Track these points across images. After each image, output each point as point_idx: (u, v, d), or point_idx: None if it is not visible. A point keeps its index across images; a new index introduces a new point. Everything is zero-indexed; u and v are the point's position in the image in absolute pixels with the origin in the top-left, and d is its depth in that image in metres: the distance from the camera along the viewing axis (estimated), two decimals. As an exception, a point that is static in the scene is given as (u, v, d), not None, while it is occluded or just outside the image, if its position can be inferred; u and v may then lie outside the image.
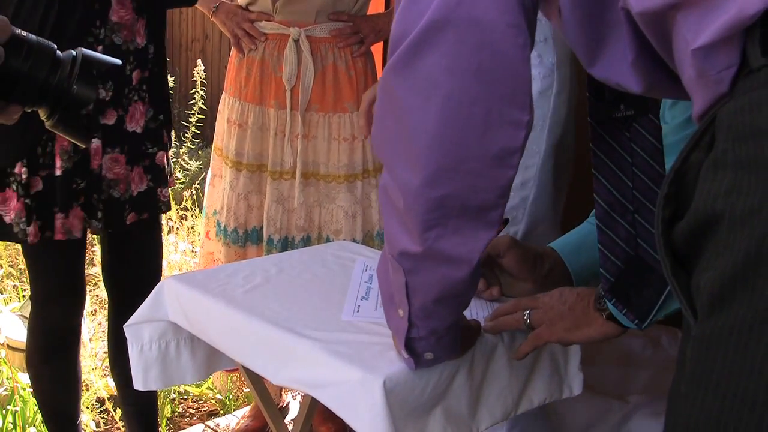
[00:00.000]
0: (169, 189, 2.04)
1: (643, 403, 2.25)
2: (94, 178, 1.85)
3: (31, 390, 2.19)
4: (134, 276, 2.06)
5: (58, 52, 1.00)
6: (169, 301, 1.57)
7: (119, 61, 1.07)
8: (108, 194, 1.90)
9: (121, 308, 2.07)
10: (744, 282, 0.72)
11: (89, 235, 2.07)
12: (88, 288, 2.93)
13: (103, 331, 2.64)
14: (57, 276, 1.96)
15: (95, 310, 3.17)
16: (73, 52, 1.01)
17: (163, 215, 2.08)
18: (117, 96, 1.86)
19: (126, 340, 1.62)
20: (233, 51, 2.32)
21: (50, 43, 0.99)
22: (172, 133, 2.08)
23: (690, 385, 0.78)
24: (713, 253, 0.75)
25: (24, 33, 0.97)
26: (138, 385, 1.61)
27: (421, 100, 0.95)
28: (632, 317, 1.23)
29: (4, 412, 2.36)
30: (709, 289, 0.75)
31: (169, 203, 2.04)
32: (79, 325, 2.04)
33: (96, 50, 1.78)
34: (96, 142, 1.84)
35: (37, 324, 2.01)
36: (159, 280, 2.08)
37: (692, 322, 0.79)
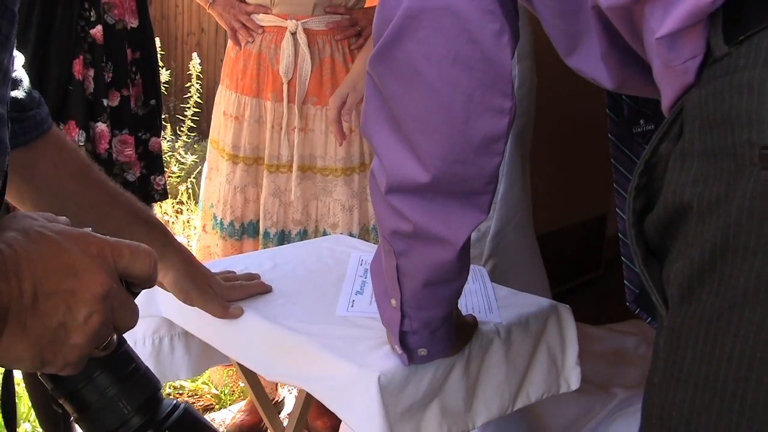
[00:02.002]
0: (164, 177, 2.02)
1: (628, 397, 2.26)
2: (102, 164, 1.81)
3: (24, 386, 2.18)
4: None
5: (161, 393, 0.77)
6: (162, 296, 1.55)
7: None
8: (123, 178, 1.87)
9: None
10: (711, 272, 0.72)
11: None
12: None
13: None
14: None
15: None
16: (176, 402, 0.78)
17: (159, 209, 2.06)
18: (118, 76, 1.83)
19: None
20: (230, 43, 2.31)
21: (155, 378, 0.77)
22: (168, 125, 2.06)
23: (663, 375, 0.78)
24: (683, 244, 0.76)
25: (135, 356, 0.75)
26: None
27: (404, 88, 0.96)
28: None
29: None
30: (678, 279, 0.76)
31: (165, 192, 2.01)
32: None
33: (91, 33, 1.76)
34: (102, 126, 1.81)
35: None
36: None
37: (663, 312, 0.80)
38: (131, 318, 0.68)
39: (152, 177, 1.95)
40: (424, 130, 0.96)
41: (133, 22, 1.85)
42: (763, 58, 0.70)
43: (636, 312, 1.26)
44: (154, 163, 1.95)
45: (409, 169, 0.99)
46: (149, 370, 0.76)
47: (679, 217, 0.76)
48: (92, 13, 1.78)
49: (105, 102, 1.81)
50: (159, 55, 2.12)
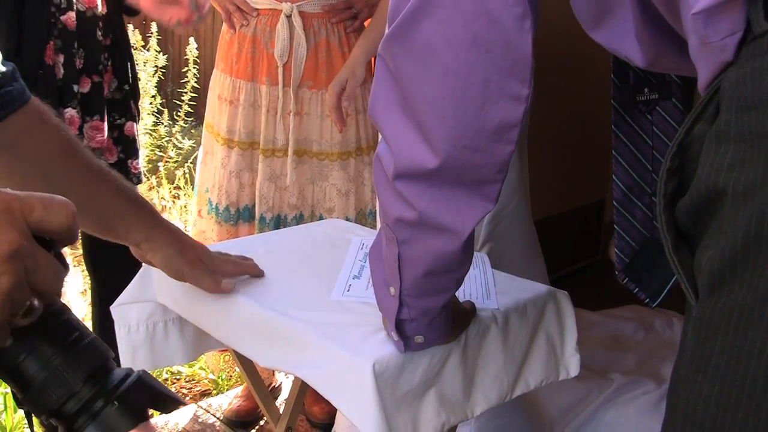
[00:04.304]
0: (140, 161, 2.01)
1: (626, 382, 2.25)
2: None
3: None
4: (114, 254, 2.02)
5: (112, 362, 0.72)
6: (156, 281, 1.53)
7: (184, 402, 0.85)
8: None
9: (102, 288, 2.04)
10: (745, 262, 0.69)
11: None
12: (79, 268, 2.90)
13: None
14: None
15: (86, 290, 3.12)
16: (129, 370, 0.73)
17: (156, 194, 2.04)
18: (90, 62, 1.82)
19: (110, 321, 1.58)
20: (224, 27, 2.28)
21: (105, 347, 0.71)
22: (165, 110, 2.05)
23: (689, 367, 0.76)
24: (716, 231, 0.73)
25: (80, 324, 0.70)
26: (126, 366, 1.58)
27: (420, 69, 0.92)
28: (644, 296, 1.24)
29: (-6, 394, 2.33)
30: (709, 268, 0.73)
31: (141, 176, 2.01)
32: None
33: (62, 19, 1.74)
34: (71, 112, 1.80)
35: None
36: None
37: (693, 302, 0.77)
38: (53, 279, 0.62)
39: (129, 161, 1.95)
40: (437, 113, 0.92)
41: (103, 10, 1.85)
42: None
43: (624, 281, 1.24)
44: (130, 147, 1.95)
45: (418, 153, 0.96)
46: (98, 339, 0.70)
47: (712, 203, 0.73)
48: (62, 0, 1.77)
49: (75, 88, 1.80)
50: (155, 40, 2.10)
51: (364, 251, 1.57)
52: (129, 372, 0.70)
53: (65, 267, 0.63)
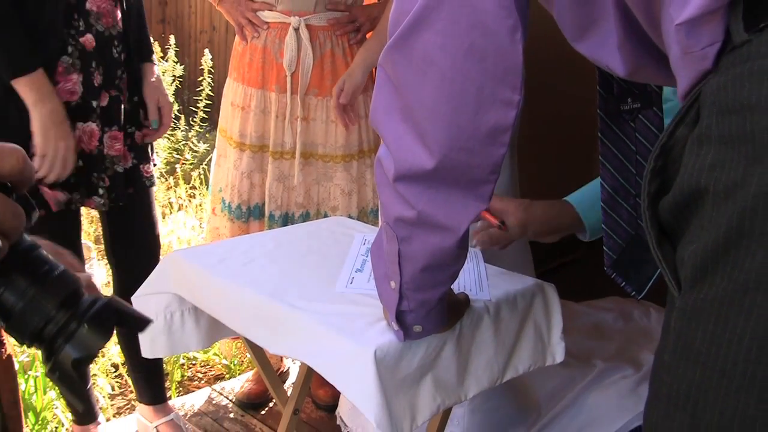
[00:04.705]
0: (153, 165, 2.01)
1: (607, 368, 2.24)
2: (91, 160, 1.81)
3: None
4: (132, 250, 2.02)
5: (82, 290, 0.76)
6: (173, 274, 1.53)
7: (150, 319, 0.87)
8: (113, 170, 1.88)
9: (123, 281, 2.04)
10: (725, 255, 0.69)
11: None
12: (102, 262, 2.89)
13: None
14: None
15: (109, 282, 3.12)
16: (99, 296, 0.77)
17: (173, 194, 2.04)
18: (108, 78, 1.83)
19: (130, 311, 1.57)
20: (237, 38, 2.27)
21: (75, 277, 0.75)
22: (182, 116, 2.05)
23: (672, 354, 0.75)
24: (697, 227, 0.72)
25: (49, 258, 0.72)
26: (146, 353, 1.58)
27: (419, 77, 0.92)
28: (630, 289, 1.26)
29: (26, 376, 2.32)
30: (692, 261, 0.72)
31: (153, 179, 2.01)
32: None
33: (81, 40, 1.75)
34: (92, 126, 1.80)
35: None
36: (156, 254, 2.05)
37: (676, 293, 0.77)
38: (13, 219, 0.61)
39: (141, 166, 1.95)
40: (434, 117, 0.92)
41: (120, 28, 1.85)
42: None
43: (612, 276, 1.25)
44: (142, 153, 1.95)
45: (416, 155, 0.95)
46: (66, 270, 0.72)
47: (694, 201, 0.72)
48: (81, 23, 1.76)
49: (95, 104, 1.80)
50: (173, 52, 2.10)
51: (366, 246, 1.56)
52: (98, 297, 0.74)
53: (32, 208, 0.65)
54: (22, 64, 1.66)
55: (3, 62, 1.66)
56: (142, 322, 0.78)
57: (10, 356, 1.96)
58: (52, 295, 0.70)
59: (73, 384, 0.73)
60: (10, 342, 1.96)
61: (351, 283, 1.38)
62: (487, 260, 1.59)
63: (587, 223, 1.51)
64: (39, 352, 0.73)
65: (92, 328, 0.71)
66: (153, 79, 1.97)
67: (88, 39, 1.77)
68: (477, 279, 1.44)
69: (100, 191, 1.84)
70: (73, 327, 0.70)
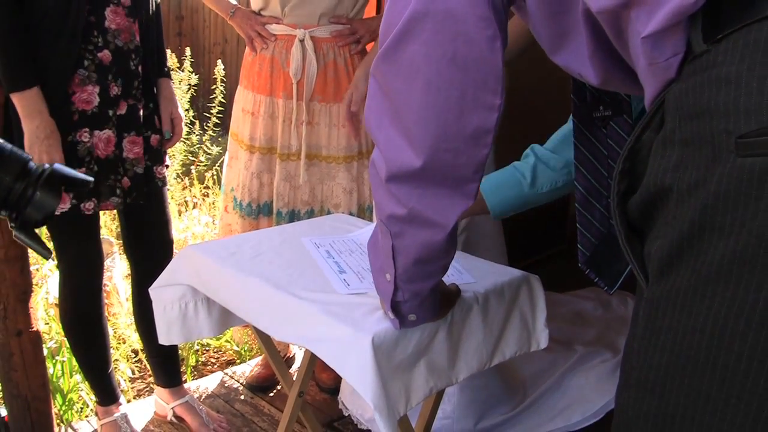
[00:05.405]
0: (165, 167, 2.00)
1: (587, 352, 2.24)
2: (106, 164, 1.81)
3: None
4: (147, 245, 2.01)
5: (31, 163, 0.87)
6: (187, 267, 1.52)
7: (90, 179, 0.94)
8: (133, 171, 1.87)
9: (140, 274, 2.03)
10: (689, 248, 0.69)
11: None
12: (122, 256, 2.88)
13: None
14: (78, 245, 1.90)
15: (129, 275, 3.12)
16: (46, 165, 0.88)
17: (188, 193, 2.03)
18: (126, 89, 1.83)
19: (147, 301, 1.56)
20: (247, 50, 2.26)
21: (24, 153, 0.87)
22: (196, 122, 2.03)
23: (641, 341, 0.75)
24: (663, 223, 0.72)
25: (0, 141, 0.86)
26: (162, 339, 1.57)
27: (406, 84, 0.91)
28: (603, 284, 1.25)
29: (54, 361, 2.32)
30: (658, 255, 0.72)
31: (165, 179, 2.00)
32: (100, 287, 1.99)
33: (99, 55, 1.76)
34: (108, 132, 1.80)
35: (64, 288, 1.95)
36: (170, 248, 2.04)
37: (644, 285, 0.77)
38: None
39: (154, 168, 1.95)
40: (421, 122, 0.91)
41: (138, 42, 1.85)
42: (739, 54, 0.66)
43: (586, 272, 1.25)
44: (155, 156, 1.95)
45: (405, 156, 0.94)
46: (15, 148, 0.84)
47: (660, 199, 0.72)
48: (100, 40, 1.76)
49: (110, 113, 1.80)
50: (189, 62, 2.09)
51: (324, 248, 1.53)
52: (45, 167, 0.86)
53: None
54: (17, 82, 1.67)
55: (3, 77, 1.68)
56: (85, 183, 0.90)
57: (39, 343, 1.96)
58: (8, 170, 0.82)
59: (37, 239, 0.85)
60: (39, 329, 1.95)
61: (348, 286, 1.36)
62: (469, 252, 1.59)
63: (489, 204, 1.54)
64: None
65: (45, 192, 0.84)
66: (167, 93, 1.98)
67: (106, 54, 1.77)
68: (455, 267, 1.42)
69: (117, 191, 1.84)
70: (30, 193, 0.83)
